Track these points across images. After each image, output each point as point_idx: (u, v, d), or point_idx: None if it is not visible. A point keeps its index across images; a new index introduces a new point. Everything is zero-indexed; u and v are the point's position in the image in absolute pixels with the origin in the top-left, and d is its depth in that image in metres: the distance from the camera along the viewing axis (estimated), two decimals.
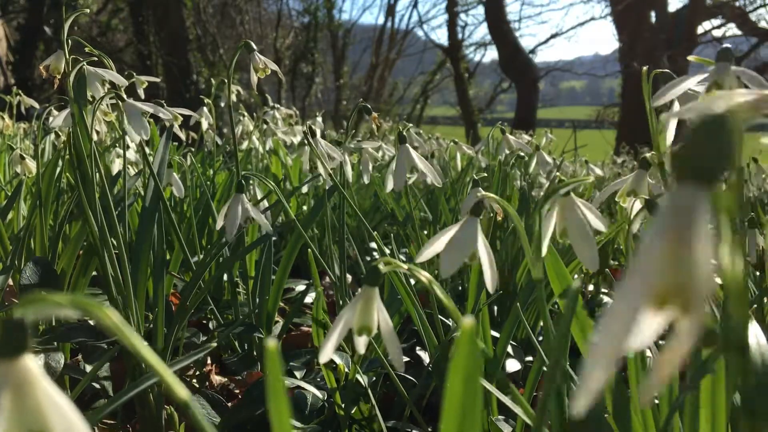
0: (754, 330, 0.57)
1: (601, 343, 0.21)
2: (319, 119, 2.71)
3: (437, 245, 0.55)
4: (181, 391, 0.28)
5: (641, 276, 0.21)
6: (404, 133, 0.96)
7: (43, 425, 0.25)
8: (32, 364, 0.26)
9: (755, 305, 0.77)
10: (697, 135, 0.22)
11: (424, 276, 0.46)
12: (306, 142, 1.05)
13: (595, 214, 0.57)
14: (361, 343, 0.51)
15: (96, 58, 1.01)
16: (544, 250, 0.58)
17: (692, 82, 0.64)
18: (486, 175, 1.41)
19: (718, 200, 0.22)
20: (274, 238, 1.23)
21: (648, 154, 0.78)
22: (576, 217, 0.57)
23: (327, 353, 0.47)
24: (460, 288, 1.42)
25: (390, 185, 0.99)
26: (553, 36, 23.12)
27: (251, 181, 1.70)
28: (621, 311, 0.21)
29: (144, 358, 0.27)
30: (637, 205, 0.70)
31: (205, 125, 2.06)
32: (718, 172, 0.22)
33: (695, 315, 0.21)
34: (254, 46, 1.08)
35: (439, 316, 0.97)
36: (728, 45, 0.64)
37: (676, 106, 0.70)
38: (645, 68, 0.75)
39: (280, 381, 0.28)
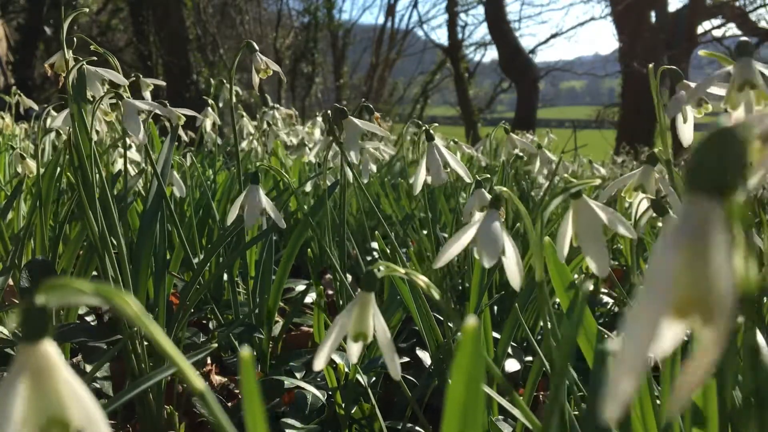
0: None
1: (626, 353, 0.21)
2: (319, 119, 2.71)
3: (454, 249, 0.54)
4: (197, 381, 0.28)
5: (659, 288, 0.21)
6: (431, 130, 0.96)
7: (61, 411, 0.25)
8: (52, 349, 0.26)
9: (755, 305, 0.76)
10: (709, 146, 0.22)
11: (422, 280, 0.46)
12: (328, 132, 0.99)
13: (612, 216, 0.55)
14: (354, 351, 0.50)
15: (96, 58, 1.00)
16: (565, 253, 0.57)
17: (720, 77, 0.62)
18: (489, 175, 1.41)
19: (731, 209, 0.22)
20: (275, 238, 1.23)
21: (655, 150, 0.77)
22: (589, 220, 0.55)
23: (321, 360, 0.47)
24: (460, 288, 1.42)
25: (420, 185, 0.95)
26: (553, 36, 23.15)
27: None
28: (642, 322, 0.21)
29: (162, 349, 0.27)
30: (642, 205, 0.69)
31: (208, 125, 2.07)
32: (731, 184, 0.22)
33: (718, 325, 0.21)
34: (256, 47, 1.08)
35: (439, 316, 0.97)
36: (746, 38, 0.62)
37: (689, 110, 0.70)
38: (651, 65, 0.74)
39: (254, 389, 0.28)
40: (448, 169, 0.93)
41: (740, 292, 0.21)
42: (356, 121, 0.96)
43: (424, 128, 0.96)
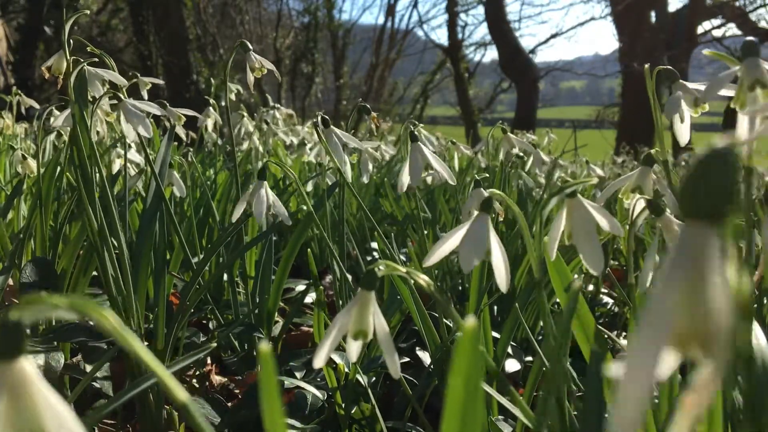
0: (755, 331, 0.57)
1: (628, 387, 0.21)
2: (320, 119, 2.71)
3: (446, 247, 0.54)
4: (180, 392, 0.28)
5: (659, 319, 0.22)
6: (415, 131, 0.96)
7: (39, 427, 0.25)
8: (28, 366, 0.26)
9: (755, 305, 0.77)
10: (701, 172, 0.22)
11: (423, 279, 0.45)
12: (317, 134, 1.01)
13: (605, 216, 0.56)
14: (354, 350, 0.50)
15: (97, 59, 1.01)
16: (554, 253, 0.58)
17: (731, 77, 0.62)
18: (487, 175, 1.41)
19: (726, 230, 0.22)
20: (274, 238, 1.23)
21: (652, 151, 0.77)
22: (582, 219, 0.55)
23: (321, 358, 0.47)
24: (460, 288, 1.42)
25: (404, 185, 0.95)
26: (553, 36, 23.16)
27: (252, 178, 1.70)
28: (643, 355, 0.21)
29: (142, 360, 0.27)
30: (639, 205, 0.69)
31: (210, 125, 2.07)
32: (725, 210, 0.22)
33: (717, 356, 0.21)
34: (250, 46, 1.08)
35: (435, 313, 0.97)
36: (751, 38, 0.60)
37: (686, 110, 0.70)
38: (647, 66, 0.74)
39: (274, 384, 0.28)
40: (431, 171, 0.93)
41: (735, 301, 0.21)
42: (336, 131, 1.01)
43: (410, 129, 0.97)
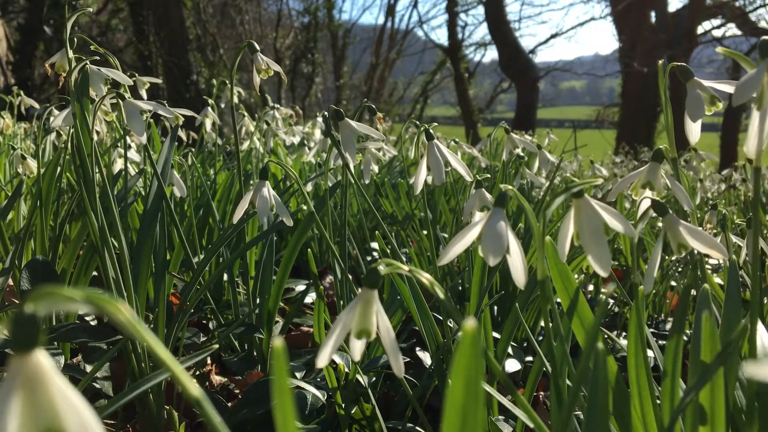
0: (760, 331, 0.57)
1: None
2: (320, 119, 2.71)
3: (459, 246, 0.53)
4: (193, 388, 0.28)
5: None
6: (431, 130, 0.96)
7: (56, 421, 0.24)
8: (44, 359, 0.25)
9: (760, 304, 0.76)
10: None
11: (426, 278, 0.45)
12: (326, 129, 0.99)
13: (615, 217, 0.55)
14: (357, 349, 0.49)
15: (98, 57, 1.00)
16: (566, 252, 0.57)
17: (759, 78, 0.60)
18: (489, 175, 1.41)
19: None
20: (275, 238, 1.23)
21: (662, 147, 0.77)
22: (589, 219, 0.55)
23: (325, 357, 0.46)
24: (460, 288, 1.42)
25: (420, 185, 0.93)
26: (553, 36, 23.15)
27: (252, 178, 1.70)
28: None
29: (157, 355, 0.27)
30: (644, 204, 0.69)
31: (209, 125, 2.07)
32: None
33: None
34: (257, 47, 1.07)
35: (439, 317, 0.97)
36: (767, 37, 0.59)
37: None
38: (660, 62, 0.74)
39: (286, 381, 0.27)
40: (449, 168, 0.92)
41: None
42: (352, 123, 0.97)
43: (423, 128, 0.96)
